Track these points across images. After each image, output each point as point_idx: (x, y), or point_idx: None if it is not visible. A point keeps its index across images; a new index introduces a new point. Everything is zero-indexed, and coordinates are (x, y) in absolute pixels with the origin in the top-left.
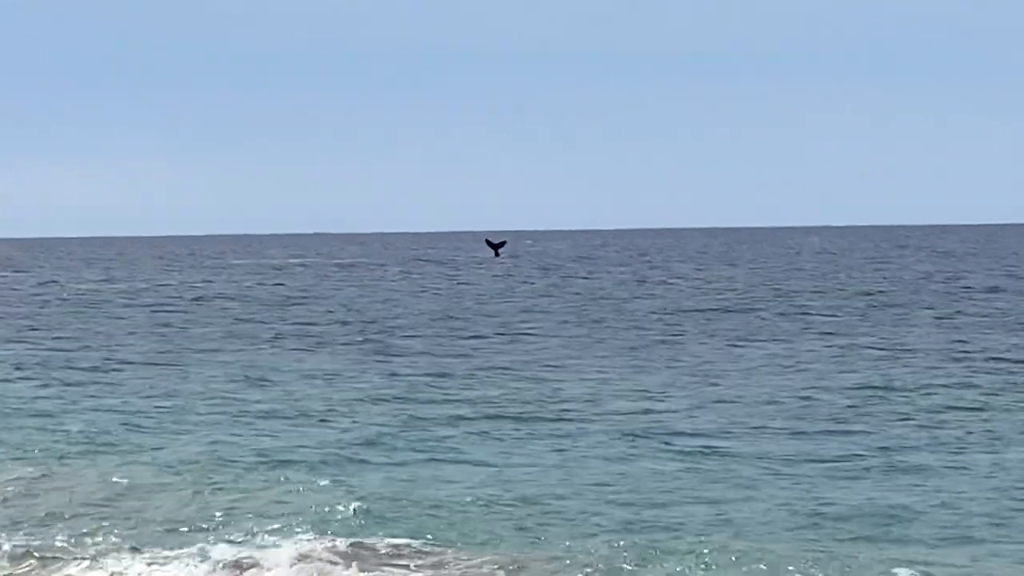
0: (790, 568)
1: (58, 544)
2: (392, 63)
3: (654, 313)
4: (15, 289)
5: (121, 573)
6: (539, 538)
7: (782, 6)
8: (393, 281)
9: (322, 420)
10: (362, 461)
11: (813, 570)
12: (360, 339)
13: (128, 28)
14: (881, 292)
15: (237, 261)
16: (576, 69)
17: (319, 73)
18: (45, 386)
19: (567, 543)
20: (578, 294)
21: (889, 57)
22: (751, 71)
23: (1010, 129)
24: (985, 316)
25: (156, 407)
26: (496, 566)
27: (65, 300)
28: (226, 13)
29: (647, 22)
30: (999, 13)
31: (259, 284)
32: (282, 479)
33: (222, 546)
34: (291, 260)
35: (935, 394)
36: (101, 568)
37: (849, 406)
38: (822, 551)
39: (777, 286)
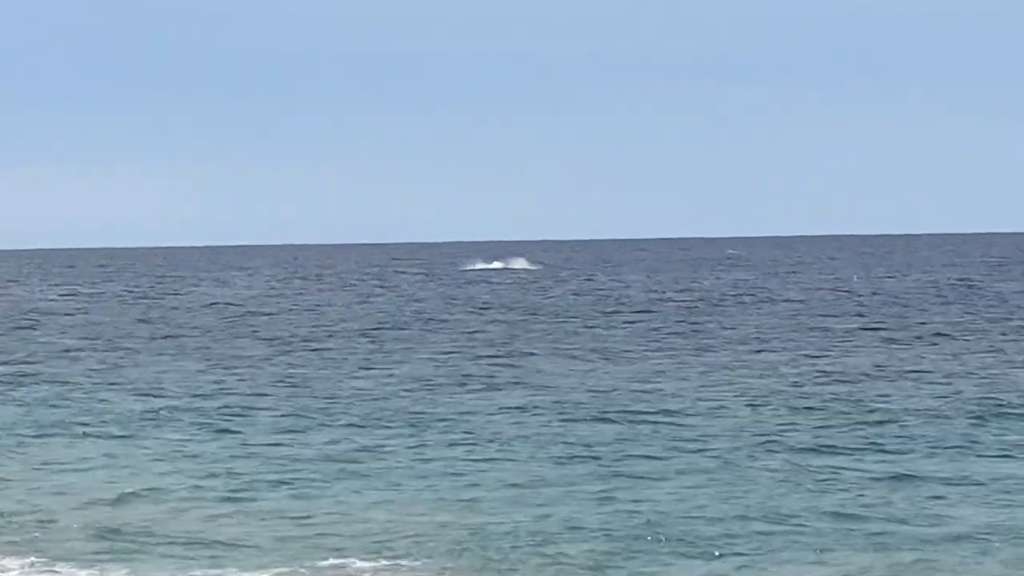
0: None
1: None
2: (390, 71)
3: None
4: None
5: None
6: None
7: (775, 10)
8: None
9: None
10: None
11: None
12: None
13: (122, 36)
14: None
15: (234, 273)
16: (572, 75)
17: (316, 81)
18: None
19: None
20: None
21: (884, 63)
22: (757, 76)
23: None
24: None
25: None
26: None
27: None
28: (225, 16)
29: (641, 28)
30: (996, 16)
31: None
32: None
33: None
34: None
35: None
36: None
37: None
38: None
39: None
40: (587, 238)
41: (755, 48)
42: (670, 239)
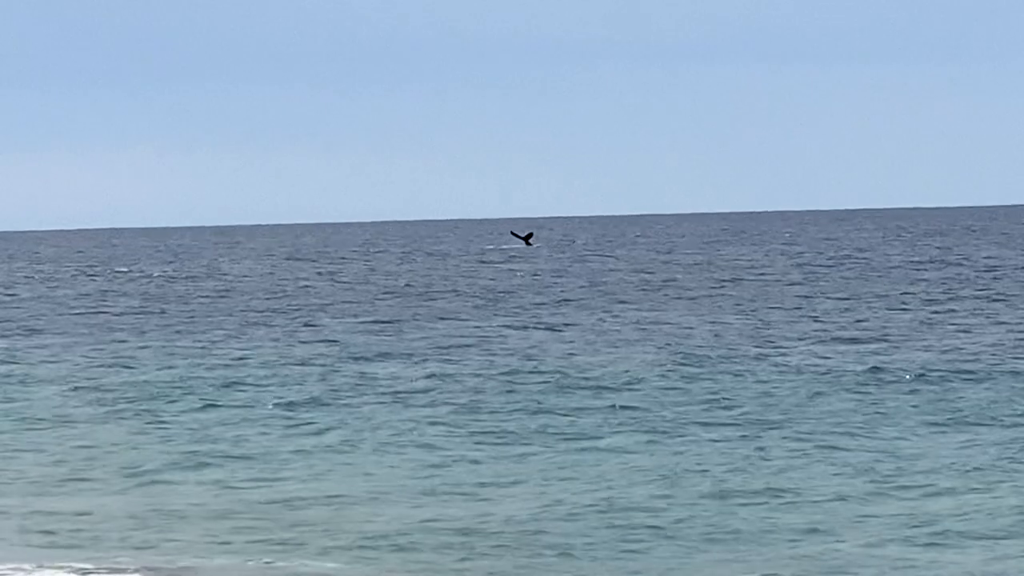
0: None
1: None
2: (389, 52)
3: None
4: None
5: None
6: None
7: None
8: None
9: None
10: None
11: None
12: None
13: (118, 22)
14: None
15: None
16: (573, 57)
17: (315, 64)
18: None
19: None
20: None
21: (882, 41)
22: (753, 58)
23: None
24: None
25: None
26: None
27: None
28: (225, 5)
29: (641, 12)
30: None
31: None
32: None
33: None
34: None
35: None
36: None
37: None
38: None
39: None
40: (583, 215)
41: (754, 27)
42: (661, 215)
